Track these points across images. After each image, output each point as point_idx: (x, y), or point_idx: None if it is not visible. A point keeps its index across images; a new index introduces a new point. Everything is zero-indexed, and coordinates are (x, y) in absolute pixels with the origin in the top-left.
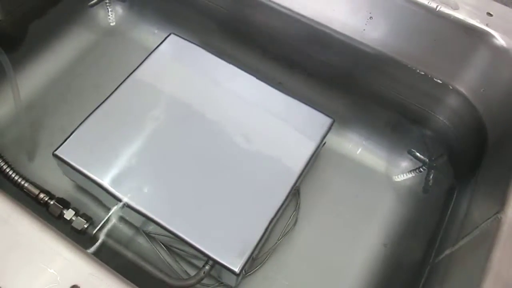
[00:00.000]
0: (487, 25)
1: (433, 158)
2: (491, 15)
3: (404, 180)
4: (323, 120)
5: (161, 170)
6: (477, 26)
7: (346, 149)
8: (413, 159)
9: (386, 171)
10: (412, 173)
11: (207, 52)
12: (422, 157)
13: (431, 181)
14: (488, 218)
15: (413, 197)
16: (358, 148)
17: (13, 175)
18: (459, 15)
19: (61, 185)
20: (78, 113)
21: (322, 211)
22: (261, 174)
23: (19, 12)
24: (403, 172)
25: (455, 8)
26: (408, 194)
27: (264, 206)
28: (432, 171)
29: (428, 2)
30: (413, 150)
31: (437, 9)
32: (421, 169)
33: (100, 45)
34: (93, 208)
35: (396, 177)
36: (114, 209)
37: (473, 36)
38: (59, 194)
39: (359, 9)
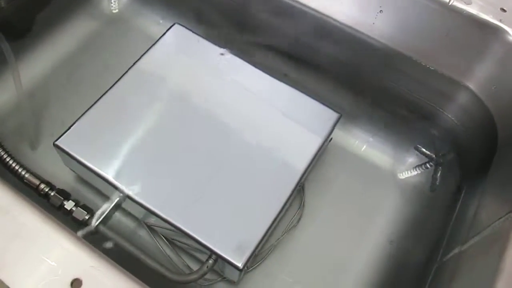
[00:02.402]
0: (500, 20)
1: (440, 156)
2: (504, 10)
3: (411, 177)
4: (330, 115)
5: (163, 162)
6: (490, 22)
7: (352, 145)
8: (420, 155)
9: (393, 168)
10: (418, 169)
11: (211, 43)
12: (429, 153)
13: (438, 178)
14: (500, 218)
15: (420, 195)
16: (364, 145)
17: (13, 165)
18: (472, 10)
19: (62, 175)
20: (80, 103)
21: (327, 208)
22: (266, 169)
23: None
24: (409, 169)
25: (468, 3)
26: (414, 192)
27: (269, 202)
28: (440, 168)
29: None
30: (420, 146)
31: (450, 3)
32: (428, 165)
33: (102, 33)
34: (94, 200)
35: (402, 174)
36: (115, 201)
37: (486, 32)
38: (60, 185)
39: (369, 2)
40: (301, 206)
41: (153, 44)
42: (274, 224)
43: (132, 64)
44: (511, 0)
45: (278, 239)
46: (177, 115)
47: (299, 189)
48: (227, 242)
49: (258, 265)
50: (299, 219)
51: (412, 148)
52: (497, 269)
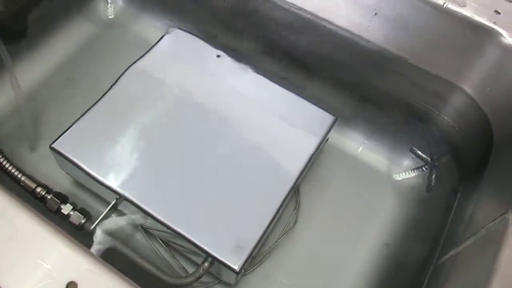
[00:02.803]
0: (494, 23)
1: (435, 157)
2: (498, 13)
3: (406, 179)
4: (326, 118)
5: (160, 165)
6: (485, 24)
7: (348, 147)
8: (415, 158)
9: (388, 169)
10: (415, 171)
11: (209, 46)
12: (424, 156)
13: (433, 180)
14: (495, 219)
15: (416, 197)
16: (360, 147)
17: (10, 168)
18: (467, 12)
19: (59, 179)
20: (77, 106)
21: (323, 210)
22: (262, 171)
23: (20, 3)
24: (405, 170)
25: (463, 5)
26: (410, 194)
27: (265, 204)
28: (435, 170)
29: None
30: (415, 149)
31: (444, 6)
32: (423, 168)
33: (100, 37)
34: (91, 204)
35: (398, 175)
36: (112, 204)
37: (480, 34)
38: (57, 188)
39: (364, 4)
40: (296, 207)
41: (152, 47)
42: (271, 226)
43: (128, 66)
44: (505, 2)
45: (275, 241)
46: (174, 117)
47: (295, 191)
48: (224, 245)
49: (255, 268)
50: (295, 221)
51: (408, 151)
52: (492, 270)
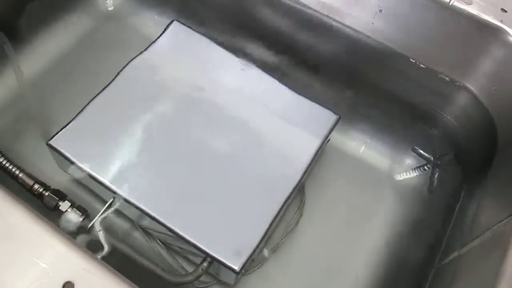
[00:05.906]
0: (501, 21)
1: (437, 156)
2: (505, 11)
3: (408, 178)
4: (329, 116)
5: (159, 164)
6: (491, 22)
7: (349, 147)
8: (417, 157)
9: (390, 169)
10: (416, 171)
11: (210, 42)
12: (426, 155)
13: (435, 180)
14: (501, 221)
15: (418, 197)
16: (362, 146)
17: (7, 165)
18: (473, 10)
19: (56, 176)
20: (75, 102)
21: (324, 210)
22: (264, 171)
23: None
24: (407, 170)
25: (469, 3)
26: (412, 194)
27: (266, 204)
28: (437, 169)
29: None
30: (417, 148)
31: (450, 3)
32: (426, 167)
33: (99, 31)
34: (89, 202)
35: (400, 175)
36: (109, 202)
37: (486, 33)
38: (54, 185)
39: (368, 1)
40: (300, 207)
41: (152, 42)
42: (272, 227)
43: (128, 62)
44: (511, 0)
45: (277, 243)
46: (174, 116)
47: (300, 190)
48: (224, 245)
49: (256, 269)
50: (298, 221)
51: (409, 150)
52: (498, 272)
